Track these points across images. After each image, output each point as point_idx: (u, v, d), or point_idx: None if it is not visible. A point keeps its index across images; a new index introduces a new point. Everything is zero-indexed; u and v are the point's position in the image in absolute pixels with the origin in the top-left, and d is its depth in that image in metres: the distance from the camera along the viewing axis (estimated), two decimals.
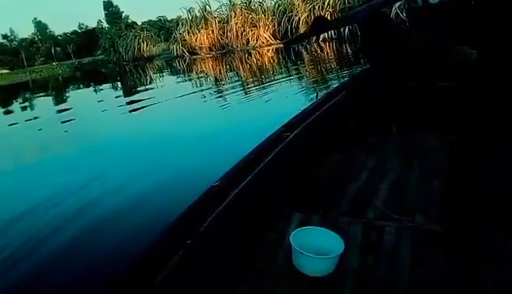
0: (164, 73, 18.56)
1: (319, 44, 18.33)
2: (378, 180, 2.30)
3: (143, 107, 8.97)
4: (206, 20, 24.26)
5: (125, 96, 12.62)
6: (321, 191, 2.24)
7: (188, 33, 24.78)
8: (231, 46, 23.30)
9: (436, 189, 2.11)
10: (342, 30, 18.26)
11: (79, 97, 14.93)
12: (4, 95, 22.26)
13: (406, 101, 2.99)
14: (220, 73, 14.70)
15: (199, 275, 1.41)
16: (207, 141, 4.98)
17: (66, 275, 2.53)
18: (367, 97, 3.15)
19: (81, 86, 20.43)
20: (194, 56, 23.56)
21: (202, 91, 10.47)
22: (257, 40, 22.59)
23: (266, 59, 16.75)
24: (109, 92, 14.45)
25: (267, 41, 22.16)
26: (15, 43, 68.20)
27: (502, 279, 1.44)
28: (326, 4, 19.09)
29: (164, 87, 13.11)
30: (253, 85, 9.80)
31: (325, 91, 4.05)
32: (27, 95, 19.22)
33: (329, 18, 13.40)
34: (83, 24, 70.41)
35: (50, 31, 70.54)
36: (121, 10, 53.74)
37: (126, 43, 30.27)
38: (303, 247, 1.56)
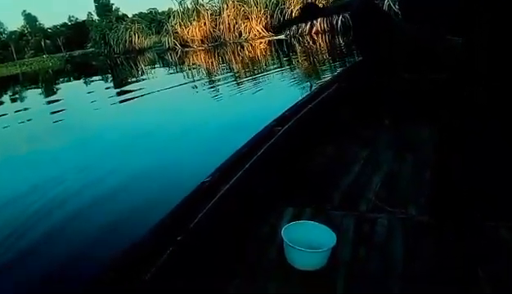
0: (156, 66, 18.43)
1: (311, 36, 18.30)
2: (370, 173, 2.30)
3: (133, 98, 8.94)
4: (198, 12, 24.07)
5: (116, 89, 12.52)
6: (314, 184, 2.23)
7: (180, 25, 24.59)
8: (224, 39, 23.18)
9: (428, 181, 2.11)
10: (335, 22, 18.25)
11: (70, 89, 14.83)
12: None
13: (399, 93, 2.99)
14: (212, 65, 14.64)
15: (190, 272, 1.39)
16: (199, 134, 4.96)
17: (51, 274, 2.50)
18: (360, 89, 3.14)
19: (72, 78, 20.23)
20: (186, 49, 23.41)
21: (194, 83, 10.41)
22: (249, 32, 22.49)
23: (258, 51, 16.69)
24: (100, 85, 14.33)
25: (260, 33, 22.07)
26: (5, 36, 67.33)
27: (493, 269, 1.44)
28: None
29: (156, 80, 13.01)
30: (245, 77, 9.77)
31: (318, 83, 4.04)
32: (17, 88, 19.00)
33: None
34: (73, 17, 69.78)
35: (39, 24, 69.75)
36: (111, 2, 53.34)
37: (117, 36, 29.98)
38: (294, 242, 1.55)
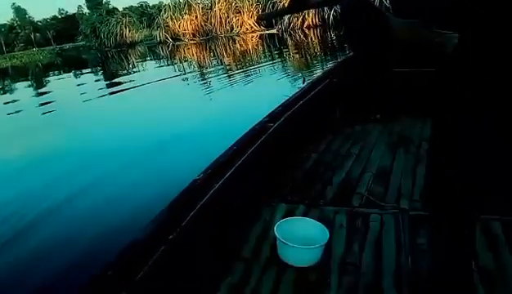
0: (147, 59, 18.27)
1: (303, 30, 18.27)
2: (363, 168, 2.31)
3: (123, 90, 8.86)
4: (189, 5, 23.89)
5: (107, 82, 12.37)
6: (307, 180, 2.23)
7: (171, 19, 24.39)
8: (215, 33, 23.06)
9: (420, 175, 2.13)
10: (326, 17, 18.23)
11: (60, 83, 14.63)
12: None
13: (390, 88, 2.99)
14: (204, 59, 14.56)
15: (183, 270, 1.39)
16: (191, 129, 4.92)
17: (45, 275, 2.46)
18: (351, 84, 3.14)
19: (63, 72, 19.97)
20: (177, 42, 23.24)
21: (186, 77, 10.35)
22: (241, 26, 22.39)
23: (250, 45, 16.63)
24: (91, 78, 14.19)
25: (252, 27, 21.99)
26: None
27: (486, 262, 1.46)
28: None
29: (147, 73, 12.91)
30: (237, 71, 9.73)
31: (309, 77, 4.02)
32: (6, 81, 18.75)
33: None
34: (62, 10, 68.84)
35: (29, 16, 68.72)
36: None
37: (108, 29, 29.66)
38: (288, 238, 1.55)
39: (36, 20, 69.44)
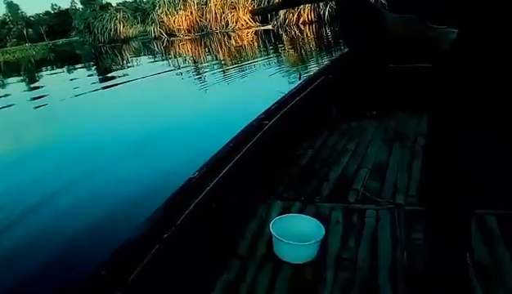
0: (142, 55, 18.17)
1: (298, 26, 18.24)
2: (359, 164, 2.31)
3: (117, 85, 8.80)
4: (185, 1, 23.77)
5: (101, 78, 12.27)
6: (302, 177, 2.23)
7: (166, 14, 24.27)
8: (210, 29, 22.97)
9: (416, 170, 2.14)
10: (322, 13, 18.20)
11: (54, 78, 14.53)
12: None
13: (386, 84, 3.00)
14: (199, 55, 14.50)
15: (178, 268, 1.38)
16: (187, 126, 4.89)
17: (37, 274, 2.42)
18: (347, 81, 3.14)
19: (56, 67, 19.81)
20: (172, 38, 23.13)
21: (181, 73, 10.30)
22: (236, 22, 22.32)
23: (245, 41, 16.58)
24: (85, 73, 14.09)
25: (247, 23, 21.92)
26: None
27: (481, 256, 1.46)
28: None
29: (141, 69, 12.82)
30: (232, 67, 9.69)
31: (305, 74, 4.00)
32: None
33: None
34: (55, 5, 68.26)
35: (22, 12, 68.03)
36: None
37: (102, 24, 29.46)
38: (284, 235, 1.54)
39: (28, 15, 68.83)
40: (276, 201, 1.97)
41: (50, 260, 2.56)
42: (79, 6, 42.98)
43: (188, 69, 10.57)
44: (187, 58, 13.60)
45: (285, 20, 19.81)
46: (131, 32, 28.72)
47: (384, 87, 3.00)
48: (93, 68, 15.84)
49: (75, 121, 6.26)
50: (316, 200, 1.97)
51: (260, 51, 12.54)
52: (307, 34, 15.55)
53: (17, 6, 67.62)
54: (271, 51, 12.35)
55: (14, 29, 63.85)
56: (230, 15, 22.46)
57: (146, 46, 21.91)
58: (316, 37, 14.55)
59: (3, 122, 6.89)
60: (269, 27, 20.25)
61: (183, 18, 23.81)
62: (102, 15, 30.38)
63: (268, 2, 20.44)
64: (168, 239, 1.33)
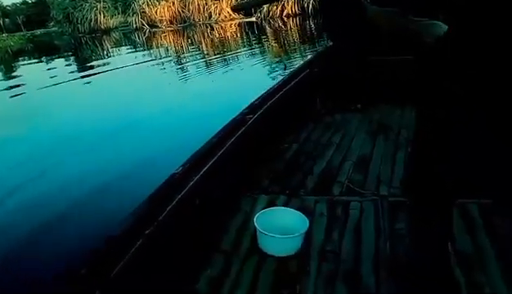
0: (123, 46, 17.84)
1: (282, 19, 18.21)
2: (343, 157, 2.33)
3: (96, 74, 8.61)
4: None
5: (80, 68, 11.99)
6: (287, 171, 2.24)
7: (148, 5, 23.86)
8: (193, 20, 22.71)
9: (399, 162, 2.16)
10: (305, 6, 18.20)
11: (32, 68, 14.12)
12: None
13: (370, 76, 3.01)
14: (182, 46, 14.33)
15: (160, 264, 1.36)
16: (170, 120, 4.81)
17: (15, 275, 2.32)
18: (331, 74, 3.14)
19: (34, 58, 19.29)
20: (154, 29, 22.79)
21: (163, 65, 10.16)
22: (219, 14, 22.12)
23: (229, 33, 16.46)
24: (64, 63, 13.74)
25: (230, 15, 21.73)
26: None
27: (462, 245, 1.49)
28: None
29: (122, 60, 12.54)
30: (216, 58, 9.62)
31: (290, 65, 3.98)
32: None
33: None
34: None
35: None
36: None
37: (82, 15, 28.81)
38: (268, 229, 1.54)
39: (5, 4, 66.86)
40: (261, 195, 1.97)
41: (26, 258, 2.46)
42: None
43: (170, 60, 10.44)
44: (170, 49, 13.42)
45: (268, 12, 19.73)
46: (111, 22, 28.16)
47: (367, 80, 3.02)
48: (72, 58, 15.49)
49: (53, 111, 6.09)
50: (300, 193, 1.98)
51: (244, 43, 12.48)
52: (290, 27, 15.54)
53: None
54: (255, 43, 12.30)
55: None
56: (213, 7, 22.24)
57: (127, 37, 21.53)
58: (299, 29, 14.55)
59: None
60: (253, 19, 20.14)
61: (165, 9, 23.47)
62: (82, 4, 29.67)
63: None
64: (151, 235, 1.31)
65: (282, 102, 2.66)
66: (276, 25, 16.64)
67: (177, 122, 4.60)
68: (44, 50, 21.18)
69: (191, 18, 22.89)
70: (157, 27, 23.25)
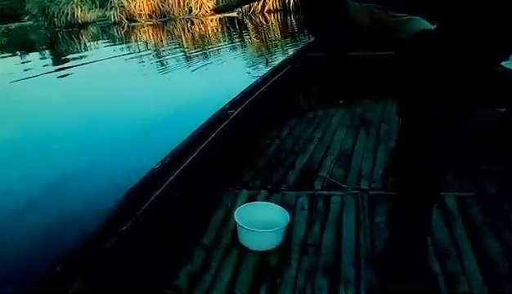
0: (100, 40, 17.49)
1: (263, 15, 18.19)
2: (325, 151, 2.35)
3: (72, 67, 8.39)
4: None
5: (56, 63, 11.65)
6: (269, 166, 2.24)
7: None
8: (173, 14, 22.45)
9: (380, 156, 2.19)
10: (287, 1, 18.23)
11: (7, 61, 13.67)
12: None
13: (351, 72, 3.04)
14: (161, 41, 14.14)
15: (137, 261, 1.34)
16: (149, 116, 4.68)
17: None
18: (313, 70, 3.16)
19: (9, 52, 18.74)
20: (133, 23, 22.43)
21: (143, 61, 9.99)
22: (200, 8, 21.92)
23: (210, 28, 16.34)
24: (39, 58, 13.36)
25: (211, 10, 21.57)
26: None
27: (440, 237, 1.52)
28: None
29: (100, 55, 12.25)
30: (196, 54, 9.51)
31: (271, 60, 3.96)
32: None
33: None
34: None
35: None
36: None
37: (58, 8, 28.12)
38: (250, 224, 1.54)
39: None
40: (243, 190, 1.97)
41: (4, 258, 2.36)
42: None
43: (149, 54, 10.27)
44: (149, 44, 13.23)
45: (249, 7, 19.66)
46: (89, 16, 27.55)
47: (350, 76, 3.05)
48: (48, 52, 15.09)
49: (25, 107, 5.82)
50: (282, 188, 1.98)
51: (225, 38, 12.41)
52: (272, 22, 15.54)
53: None
54: (237, 38, 12.24)
55: None
56: (193, 1, 22.03)
57: (105, 32, 21.13)
58: (281, 25, 14.56)
59: None
60: (234, 14, 20.04)
61: (144, 3, 23.11)
62: None
63: None
64: (128, 231, 1.29)
65: (264, 97, 2.66)
66: (258, 21, 16.60)
67: (157, 118, 4.51)
68: (19, 44, 20.58)
69: (171, 12, 22.62)
70: (136, 21, 22.89)
